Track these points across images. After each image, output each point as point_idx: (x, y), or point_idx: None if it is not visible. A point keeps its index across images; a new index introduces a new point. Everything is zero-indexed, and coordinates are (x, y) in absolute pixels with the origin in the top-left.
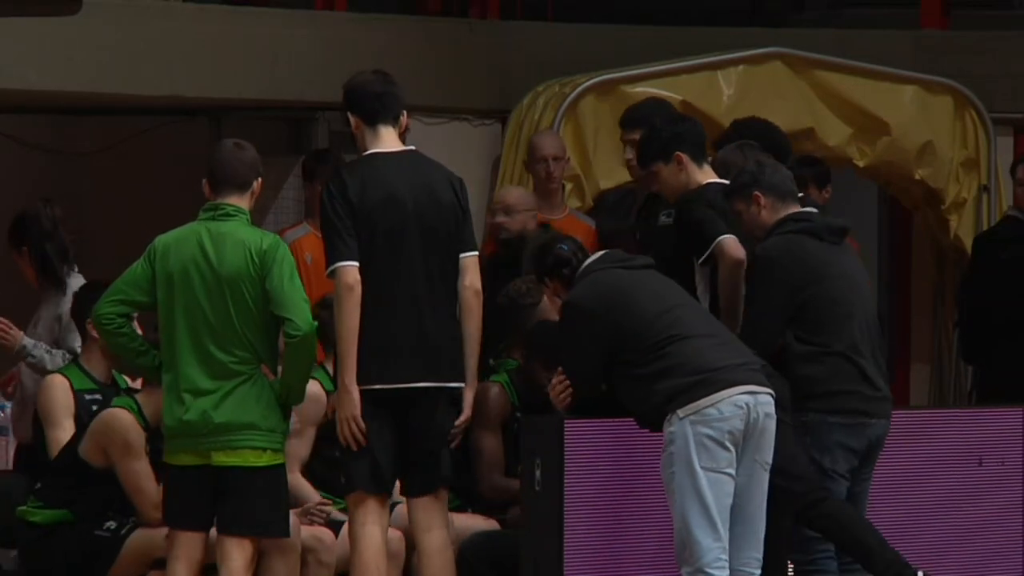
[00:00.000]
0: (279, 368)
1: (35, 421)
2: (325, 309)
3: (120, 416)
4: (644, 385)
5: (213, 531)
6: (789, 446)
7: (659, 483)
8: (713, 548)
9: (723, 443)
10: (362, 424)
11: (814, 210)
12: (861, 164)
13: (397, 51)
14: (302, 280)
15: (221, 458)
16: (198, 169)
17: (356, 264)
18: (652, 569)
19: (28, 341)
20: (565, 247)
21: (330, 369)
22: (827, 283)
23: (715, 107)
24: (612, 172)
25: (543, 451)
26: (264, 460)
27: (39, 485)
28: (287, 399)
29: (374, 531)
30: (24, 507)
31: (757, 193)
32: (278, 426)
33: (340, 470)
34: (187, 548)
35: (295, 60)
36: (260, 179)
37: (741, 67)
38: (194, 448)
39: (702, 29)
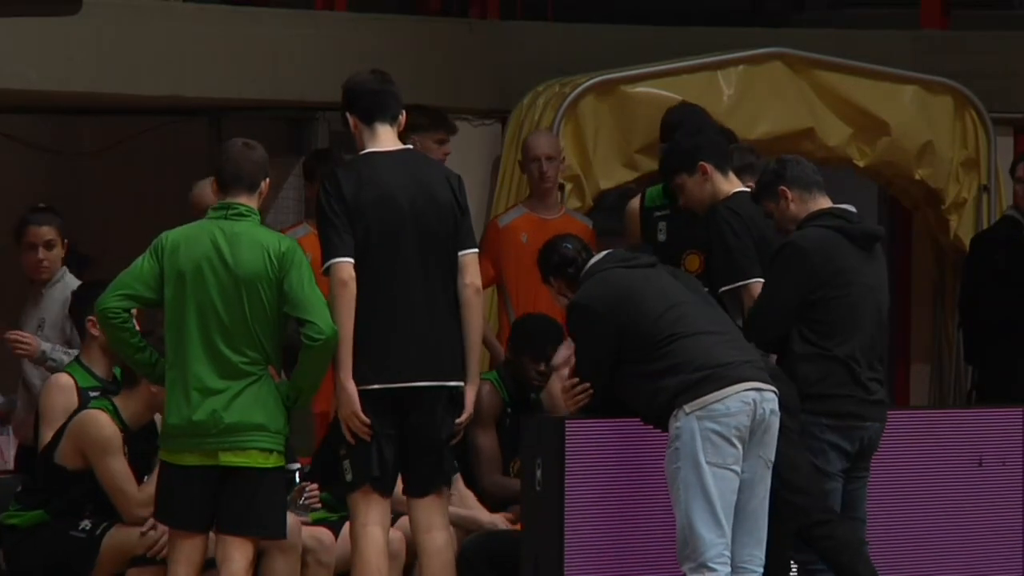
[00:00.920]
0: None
1: (36, 421)
2: None
3: (96, 417)
4: (650, 382)
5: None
6: (791, 453)
7: (661, 483)
8: (716, 543)
9: (730, 439)
10: (364, 418)
11: (851, 208)
12: (861, 164)
13: (397, 51)
14: None
15: (229, 458)
16: (198, 169)
17: (351, 260)
18: (653, 569)
19: (46, 346)
20: (569, 246)
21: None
22: (851, 289)
23: (715, 107)
24: (612, 172)
25: (544, 451)
26: (271, 462)
27: (19, 489)
28: (296, 402)
29: (375, 531)
30: (8, 511)
31: (783, 188)
32: (284, 428)
33: (340, 471)
34: (188, 551)
35: (295, 60)
36: (268, 179)
37: (741, 67)
38: (200, 448)
39: (702, 29)
